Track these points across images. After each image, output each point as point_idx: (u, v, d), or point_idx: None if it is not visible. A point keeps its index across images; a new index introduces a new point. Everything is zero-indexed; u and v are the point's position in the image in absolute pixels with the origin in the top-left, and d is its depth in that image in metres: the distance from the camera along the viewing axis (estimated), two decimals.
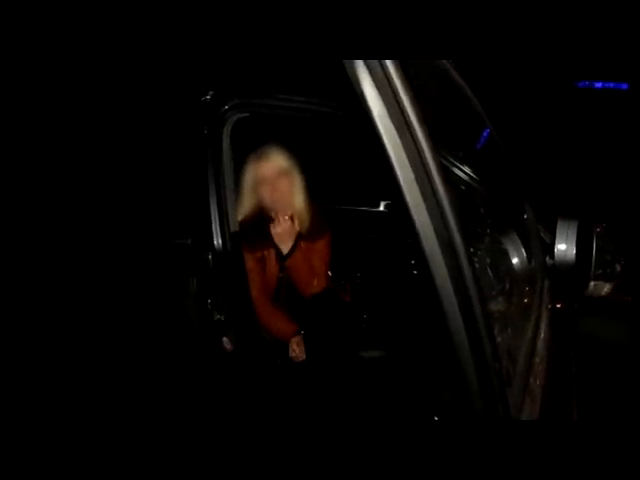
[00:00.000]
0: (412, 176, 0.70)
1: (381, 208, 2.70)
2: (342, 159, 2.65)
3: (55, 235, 1.55)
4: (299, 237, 1.92)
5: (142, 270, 1.69)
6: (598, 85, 6.86)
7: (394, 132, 0.66)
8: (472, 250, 0.78)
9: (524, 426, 0.85)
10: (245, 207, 1.94)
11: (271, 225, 1.87)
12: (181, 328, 1.77)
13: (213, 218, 1.81)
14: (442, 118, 1.15)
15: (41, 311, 1.48)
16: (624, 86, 6.62)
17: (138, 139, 1.70)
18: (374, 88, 0.63)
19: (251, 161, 1.94)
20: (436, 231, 0.71)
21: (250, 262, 1.91)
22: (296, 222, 1.91)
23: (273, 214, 1.89)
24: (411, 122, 0.69)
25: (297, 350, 1.85)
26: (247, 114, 1.92)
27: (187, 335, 1.78)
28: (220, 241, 1.81)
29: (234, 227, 1.88)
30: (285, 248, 1.90)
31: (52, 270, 1.53)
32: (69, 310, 1.52)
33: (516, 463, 0.72)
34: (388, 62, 0.66)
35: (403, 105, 0.68)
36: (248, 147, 1.98)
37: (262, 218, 1.92)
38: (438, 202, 0.71)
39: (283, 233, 1.88)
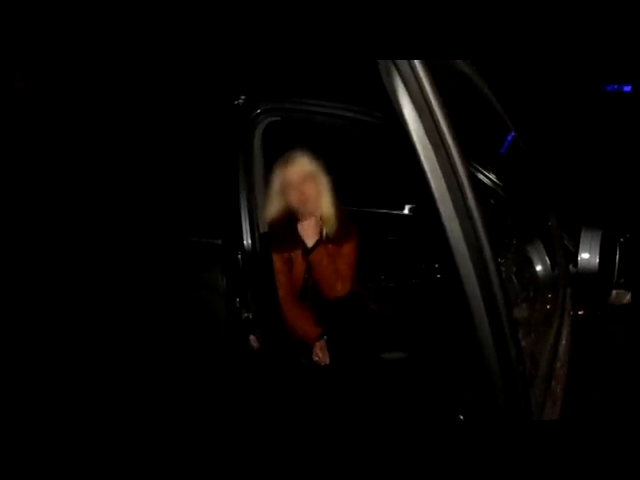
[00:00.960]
0: (445, 187, 0.75)
1: (405, 211, 2.73)
2: (368, 162, 2.68)
3: (93, 235, 1.63)
4: (326, 238, 1.97)
5: (174, 268, 1.75)
6: (627, 89, 6.69)
7: (430, 147, 0.71)
8: (500, 259, 0.82)
9: (545, 426, 0.88)
10: (273, 209, 1.99)
11: (298, 222, 1.91)
12: (210, 325, 1.82)
13: (243, 219, 1.86)
14: (470, 126, 1.18)
15: (75, 308, 1.55)
16: None
17: (172, 143, 1.77)
18: (413, 109, 0.68)
19: (278, 165, 1.98)
20: (466, 237, 0.75)
21: (278, 263, 1.95)
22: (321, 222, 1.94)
23: (300, 214, 1.94)
24: (445, 136, 0.74)
25: (320, 355, 1.89)
26: (278, 118, 1.97)
27: (216, 332, 1.84)
28: (249, 242, 1.86)
29: (263, 228, 1.92)
30: (310, 242, 1.91)
31: (89, 269, 1.61)
32: (104, 306, 1.59)
33: (537, 462, 0.76)
34: (424, 78, 0.70)
35: (437, 118, 0.72)
36: (279, 149, 2.03)
37: (290, 220, 1.97)
38: (469, 212, 0.75)
39: (308, 227, 1.90)
